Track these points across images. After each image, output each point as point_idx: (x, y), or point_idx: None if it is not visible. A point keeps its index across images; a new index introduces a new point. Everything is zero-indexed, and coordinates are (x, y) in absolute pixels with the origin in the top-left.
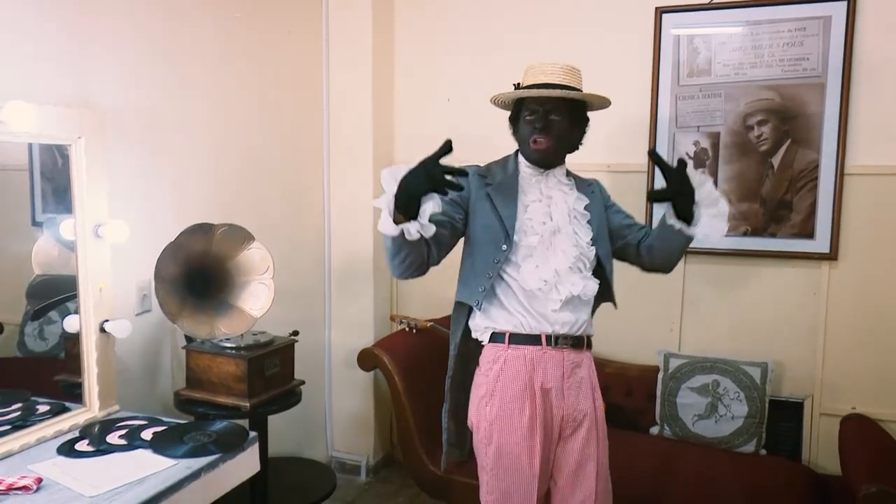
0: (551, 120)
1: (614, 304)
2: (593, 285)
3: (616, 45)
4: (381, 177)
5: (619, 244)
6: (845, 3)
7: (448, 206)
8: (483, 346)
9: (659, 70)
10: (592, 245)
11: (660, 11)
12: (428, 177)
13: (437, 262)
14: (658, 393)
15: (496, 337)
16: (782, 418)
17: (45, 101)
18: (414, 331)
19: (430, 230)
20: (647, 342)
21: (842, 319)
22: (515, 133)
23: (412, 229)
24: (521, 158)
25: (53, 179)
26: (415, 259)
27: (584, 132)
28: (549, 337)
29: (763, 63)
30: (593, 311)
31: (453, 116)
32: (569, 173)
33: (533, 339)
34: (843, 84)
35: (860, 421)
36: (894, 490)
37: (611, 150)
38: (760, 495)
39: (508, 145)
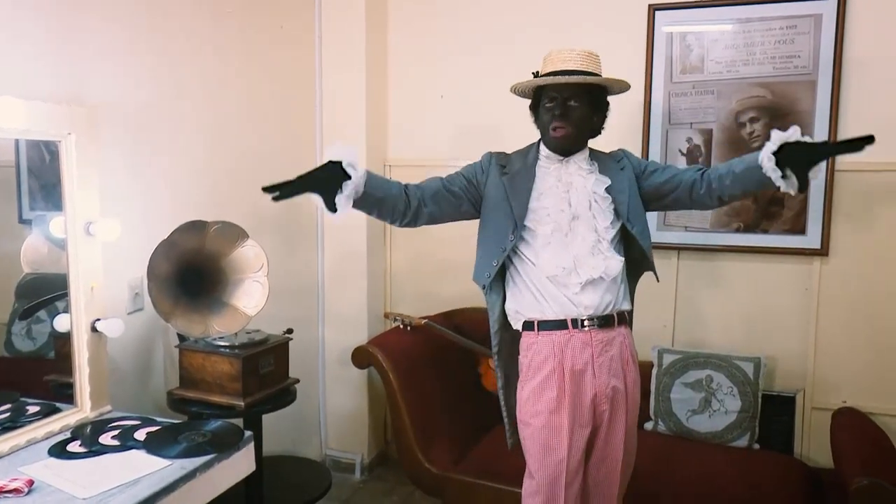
0: (570, 106)
1: (656, 275)
2: (615, 264)
3: (610, 42)
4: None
5: (670, 199)
6: (835, 2)
7: (463, 182)
8: (519, 332)
9: (652, 67)
10: (613, 227)
11: (653, 9)
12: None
13: (430, 220)
14: (652, 388)
15: (527, 325)
16: (775, 413)
17: (36, 97)
18: (408, 328)
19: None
20: (641, 338)
21: (833, 315)
22: (537, 121)
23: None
24: (542, 147)
25: (41, 176)
26: (384, 214)
27: (605, 117)
28: (574, 321)
29: (755, 60)
30: (635, 283)
31: (446, 113)
32: (593, 155)
33: (559, 325)
34: (833, 81)
35: (851, 415)
36: (886, 483)
37: (605, 145)
38: (755, 489)
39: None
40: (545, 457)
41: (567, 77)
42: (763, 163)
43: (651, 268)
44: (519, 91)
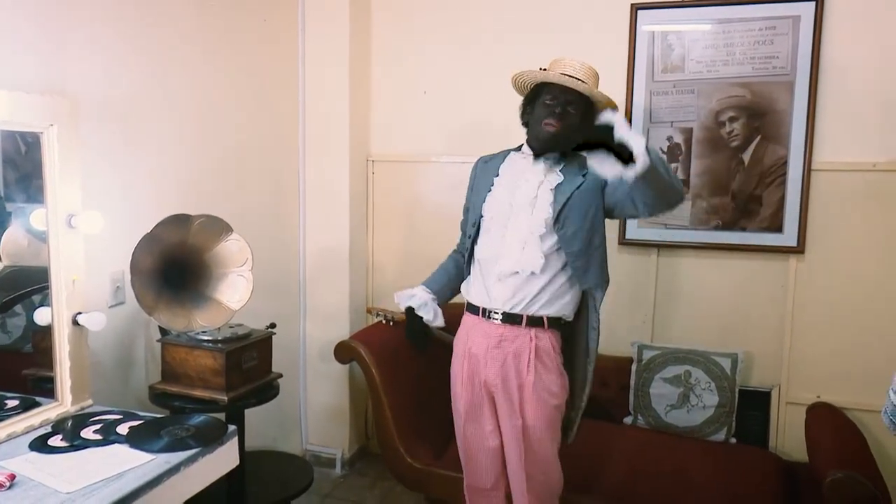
0: (568, 111)
1: (592, 292)
2: (532, 261)
3: (592, 40)
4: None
5: (618, 211)
6: (814, 3)
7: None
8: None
9: (634, 66)
10: (546, 225)
11: (635, 8)
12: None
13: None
14: (631, 383)
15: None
16: (751, 407)
17: (18, 87)
18: (391, 323)
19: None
20: (621, 334)
21: (808, 311)
22: (527, 115)
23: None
24: (524, 146)
25: (18, 168)
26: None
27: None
28: (484, 310)
29: (734, 61)
30: (582, 299)
31: (429, 109)
32: (571, 156)
33: (475, 309)
34: (811, 82)
35: (825, 409)
36: (859, 476)
37: None
38: (731, 483)
39: (483, 138)
40: (456, 420)
41: (578, 82)
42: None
43: (585, 282)
44: (519, 83)
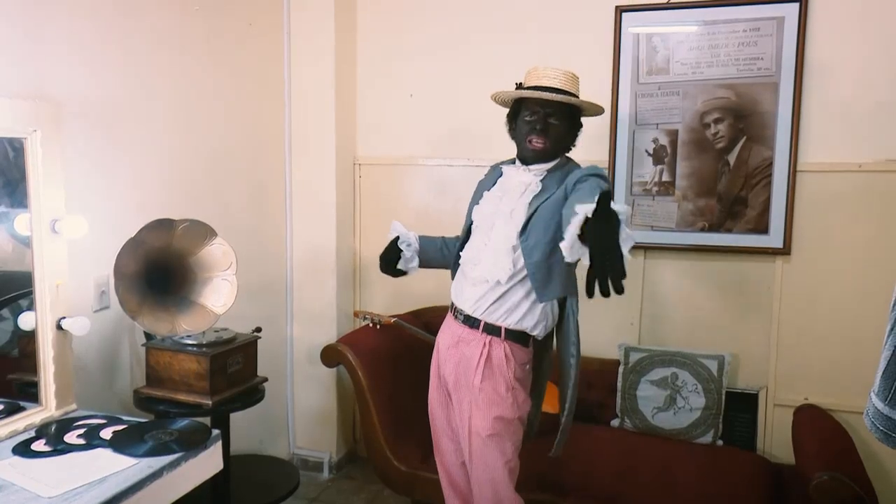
0: (550, 123)
1: (569, 305)
2: (498, 271)
3: (577, 43)
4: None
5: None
6: (798, 4)
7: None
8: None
9: (619, 68)
10: (518, 237)
11: (620, 10)
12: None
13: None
14: (618, 386)
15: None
16: (738, 409)
17: (0, 93)
18: (378, 327)
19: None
20: (608, 336)
21: (794, 312)
22: (512, 130)
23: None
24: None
25: (4, 173)
26: (438, 266)
27: (577, 135)
28: (455, 308)
29: (719, 62)
30: (559, 311)
31: (416, 112)
32: (557, 166)
33: (451, 306)
34: (795, 83)
35: (812, 411)
36: (845, 477)
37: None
38: (717, 485)
39: (469, 141)
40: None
41: (553, 94)
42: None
43: (539, 292)
44: (499, 100)
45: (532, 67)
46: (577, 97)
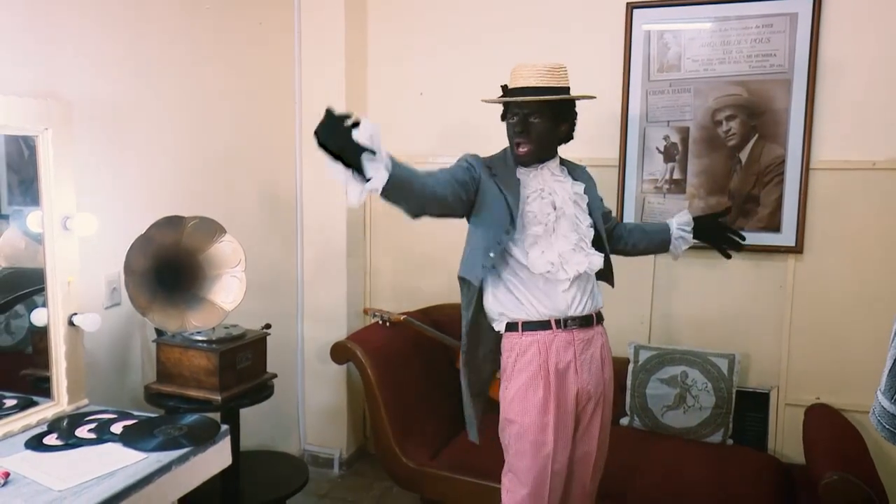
0: (531, 123)
1: (611, 283)
2: (597, 259)
3: (588, 40)
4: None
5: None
6: (811, 1)
7: (463, 181)
8: (499, 333)
9: (630, 65)
10: (591, 227)
11: (631, 7)
12: (330, 132)
13: (440, 210)
14: (628, 384)
15: (511, 326)
16: (749, 409)
17: (12, 92)
18: (387, 324)
19: (381, 178)
20: (618, 334)
21: (806, 311)
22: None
23: (367, 188)
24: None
25: (20, 171)
26: (412, 206)
27: (572, 125)
28: (558, 321)
29: (731, 59)
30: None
31: (426, 110)
32: (563, 163)
33: (543, 325)
34: (808, 80)
35: (824, 411)
36: (855, 478)
37: (583, 144)
38: (727, 484)
39: (480, 139)
40: (533, 454)
41: (520, 97)
42: (674, 231)
43: (609, 275)
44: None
45: (514, 66)
46: (562, 89)
